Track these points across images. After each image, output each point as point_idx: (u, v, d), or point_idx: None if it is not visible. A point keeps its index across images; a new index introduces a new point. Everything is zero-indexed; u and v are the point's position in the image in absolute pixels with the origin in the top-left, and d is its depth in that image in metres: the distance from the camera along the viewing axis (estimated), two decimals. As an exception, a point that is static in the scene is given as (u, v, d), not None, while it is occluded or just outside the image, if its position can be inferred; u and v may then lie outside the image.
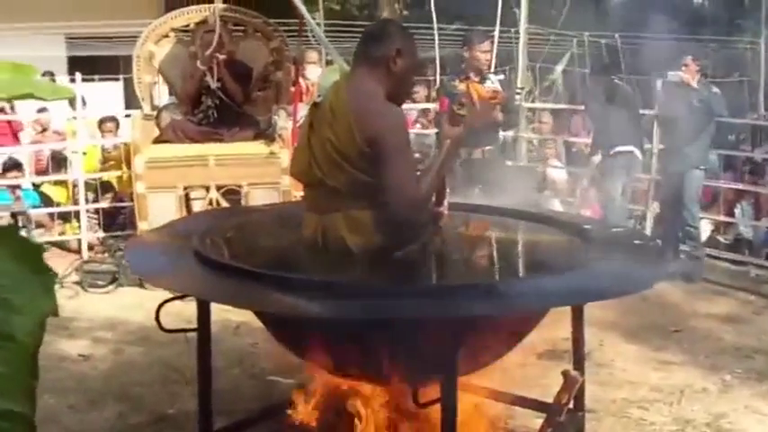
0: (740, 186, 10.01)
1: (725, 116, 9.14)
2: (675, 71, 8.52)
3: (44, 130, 11.81)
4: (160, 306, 3.93)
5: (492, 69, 8.51)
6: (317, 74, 10.35)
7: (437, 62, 11.26)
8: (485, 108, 7.18)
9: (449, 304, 3.21)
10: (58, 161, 10.64)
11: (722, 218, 9.97)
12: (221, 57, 8.57)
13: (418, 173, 3.89)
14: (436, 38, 11.46)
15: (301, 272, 3.86)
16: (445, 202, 4.07)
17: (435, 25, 11.82)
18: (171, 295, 4.03)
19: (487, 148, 7.84)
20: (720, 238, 9.89)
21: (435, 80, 11.49)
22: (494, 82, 7.94)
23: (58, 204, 10.28)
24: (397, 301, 3.23)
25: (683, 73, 8.49)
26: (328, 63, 11.13)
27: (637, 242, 4.61)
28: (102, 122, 10.96)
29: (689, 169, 8.57)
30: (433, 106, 11.04)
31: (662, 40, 9.03)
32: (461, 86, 7.78)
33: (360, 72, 3.87)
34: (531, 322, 3.90)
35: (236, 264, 3.61)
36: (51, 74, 13.09)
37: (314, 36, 10.46)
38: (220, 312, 6.15)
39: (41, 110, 11.48)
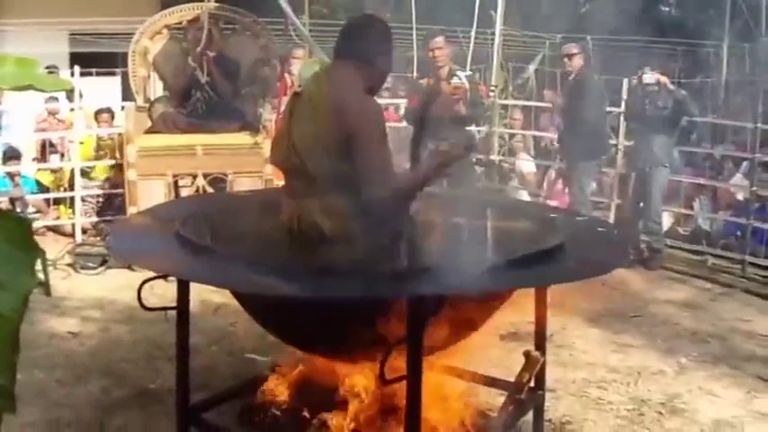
0: (700, 181, 10.03)
1: (696, 116, 9.16)
2: (650, 72, 8.51)
3: (51, 115, 11.76)
4: (142, 285, 3.89)
5: (467, 66, 8.51)
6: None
7: (414, 61, 11.23)
8: (445, 103, 7.18)
9: (414, 284, 3.17)
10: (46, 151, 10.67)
11: (682, 210, 9.99)
12: (211, 54, 8.55)
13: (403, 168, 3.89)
14: (414, 38, 11.46)
15: (277, 255, 3.83)
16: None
17: (414, 26, 11.82)
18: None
19: (454, 142, 7.80)
20: (680, 230, 9.90)
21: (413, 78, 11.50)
22: (461, 78, 7.92)
23: (48, 189, 10.28)
24: (365, 281, 3.20)
25: (658, 75, 8.48)
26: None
27: (600, 230, 4.60)
28: (98, 113, 10.93)
29: (655, 166, 8.60)
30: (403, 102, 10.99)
31: (631, 42, 8.98)
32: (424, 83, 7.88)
33: (339, 64, 3.83)
34: (495, 303, 3.88)
35: (215, 246, 3.58)
36: (55, 67, 13.08)
37: (297, 33, 10.44)
38: (202, 293, 6.15)
39: (51, 98, 11.46)
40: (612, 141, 9.50)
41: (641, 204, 8.87)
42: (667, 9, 22.91)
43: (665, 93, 8.45)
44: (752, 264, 8.67)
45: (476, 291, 3.34)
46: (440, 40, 8.05)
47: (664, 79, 8.49)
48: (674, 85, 8.61)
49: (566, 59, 8.84)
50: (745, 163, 10.55)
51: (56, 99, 11.44)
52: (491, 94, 10.64)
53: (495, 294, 3.72)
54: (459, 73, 8.04)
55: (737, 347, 6.37)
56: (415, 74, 10.99)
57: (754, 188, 8.98)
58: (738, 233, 9.35)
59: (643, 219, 8.84)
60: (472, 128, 9.27)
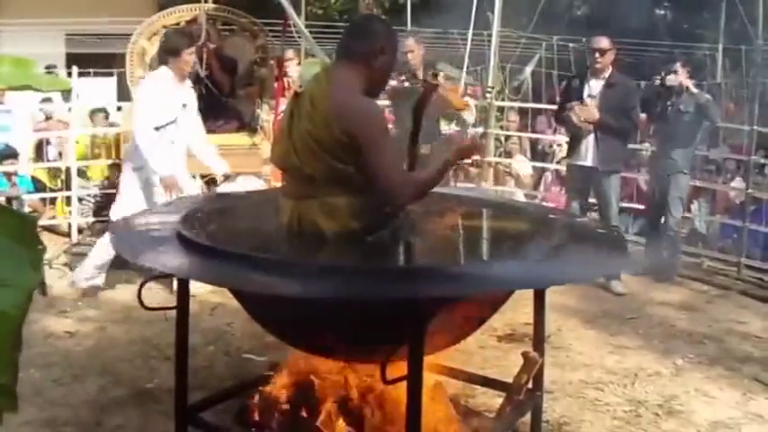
0: (697, 184, 10.02)
1: (718, 122, 8.83)
2: (670, 76, 8.08)
3: (48, 118, 11.77)
4: (142, 284, 3.89)
5: (464, 67, 8.41)
6: (297, 70, 10.35)
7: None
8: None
9: (415, 285, 3.16)
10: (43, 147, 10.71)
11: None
12: (211, 46, 8.55)
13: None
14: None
15: (277, 254, 3.82)
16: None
17: (409, 28, 11.84)
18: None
19: (435, 143, 7.63)
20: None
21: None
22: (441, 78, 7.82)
23: (45, 187, 10.32)
24: (366, 282, 3.19)
25: (681, 78, 8.06)
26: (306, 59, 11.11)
27: (600, 231, 4.58)
28: (93, 113, 10.94)
29: (674, 173, 8.22)
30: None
31: (627, 45, 8.76)
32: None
33: (341, 65, 3.81)
34: (494, 305, 3.87)
35: (215, 245, 3.56)
36: (54, 66, 13.12)
37: (298, 32, 10.44)
38: (199, 294, 6.15)
39: (46, 99, 11.46)
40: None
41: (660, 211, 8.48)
42: (663, 13, 22.96)
43: (687, 96, 8.06)
44: (747, 266, 8.68)
45: (477, 292, 3.34)
46: (410, 42, 7.93)
47: (687, 82, 8.06)
48: (698, 88, 8.31)
49: (596, 55, 7.90)
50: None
51: (50, 100, 11.45)
52: (487, 95, 10.65)
53: (496, 295, 3.71)
54: (440, 68, 7.98)
55: (733, 349, 6.37)
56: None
57: (750, 190, 8.98)
58: (734, 236, 9.37)
59: (664, 226, 8.50)
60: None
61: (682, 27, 20.92)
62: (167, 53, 7.06)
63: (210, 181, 8.05)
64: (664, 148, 8.33)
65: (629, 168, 10.04)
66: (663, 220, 8.44)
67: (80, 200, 9.65)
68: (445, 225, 4.54)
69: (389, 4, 20.17)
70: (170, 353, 4.48)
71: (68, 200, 9.74)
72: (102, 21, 14.82)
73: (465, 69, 10.09)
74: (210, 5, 8.88)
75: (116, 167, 9.22)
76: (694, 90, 8.10)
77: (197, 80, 8.51)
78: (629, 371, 5.76)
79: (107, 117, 11.06)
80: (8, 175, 9.92)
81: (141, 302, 3.85)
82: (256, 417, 4.29)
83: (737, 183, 10.41)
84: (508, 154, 12.01)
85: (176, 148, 7.07)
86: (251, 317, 4.13)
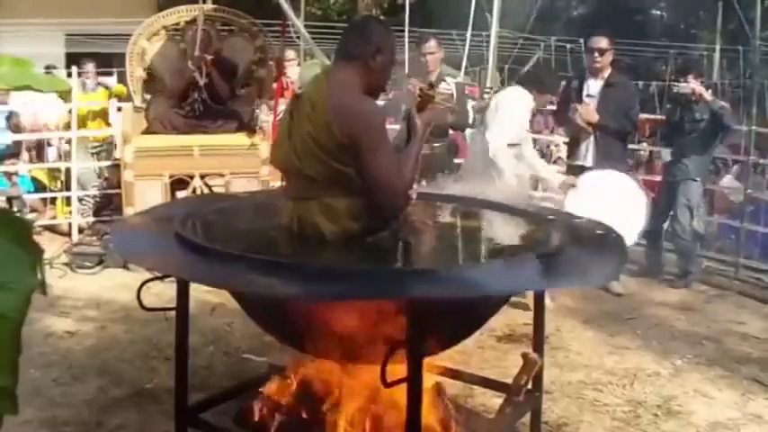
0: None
1: (734, 129, 8.57)
2: (684, 83, 8.05)
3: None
4: (141, 285, 3.87)
5: (462, 69, 8.34)
6: (296, 71, 10.32)
7: (406, 64, 11.15)
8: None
9: (414, 287, 3.14)
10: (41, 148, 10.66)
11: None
12: (209, 57, 8.53)
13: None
14: (406, 42, 11.42)
15: (277, 255, 3.80)
16: (414, 191, 4.00)
17: (407, 29, 11.81)
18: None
19: (436, 144, 7.52)
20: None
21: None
22: (449, 84, 7.69)
23: (44, 187, 10.30)
24: (366, 283, 3.17)
25: (695, 85, 7.98)
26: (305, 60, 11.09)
27: (599, 232, 4.55)
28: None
29: (685, 179, 8.19)
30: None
31: (624, 45, 8.71)
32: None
33: (339, 66, 3.79)
34: (494, 306, 3.86)
35: (215, 246, 3.54)
36: (54, 67, 13.11)
37: (297, 33, 10.42)
38: (198, 294, 6.11)
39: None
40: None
41: (671, 214, 8.46)
42: (659, 13, 22.97)
43: (701, 104, 7.98)
44: (745, 266, 8.66)
45: (478, 293, 3.32)
46: (432, 44, 7.79)
47: (700, 89, 7.98)
48: (713, 95, 8.23)
49: (595, 54, 7.76)
50: (735, 166, 10.55)
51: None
52: (486, 96, 10.62)
53: (497, 296, 3.69)
54: (447, 78, 7.88)
55: (732, 349, 6.36)
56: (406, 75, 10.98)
57: (749, 191, 8.95)
58: (732, 236, 9.34)
59: (670, 234, 8.55)
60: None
61: (679, 27, 20.92)
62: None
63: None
64: (678, 154, 8.28)
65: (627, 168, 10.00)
66: (665, 224, 8.45)
67: (80, 200, 9.63)
68: (445, 226, 4.53)
69: (388, 5, 20.17)
70: (170, 353, 4.45)
71: (68, 200, 9.73)
72: (101, 21, 14.81)
73: (463, 70, 10.05)
74: (209, 6, 8.87)
75: (116, 168, 9.22)
76: (708, 98, 8.00)
77: (196, 88, 8.50)
78: (628, 371, 5.74)
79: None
80: (8, 174, 9.91)
81: (141, 303, 3.83)
82: (256, 418, 4.27)
83: (728, 181, 10.37)
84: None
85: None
86: (250, 317, 4.11)
